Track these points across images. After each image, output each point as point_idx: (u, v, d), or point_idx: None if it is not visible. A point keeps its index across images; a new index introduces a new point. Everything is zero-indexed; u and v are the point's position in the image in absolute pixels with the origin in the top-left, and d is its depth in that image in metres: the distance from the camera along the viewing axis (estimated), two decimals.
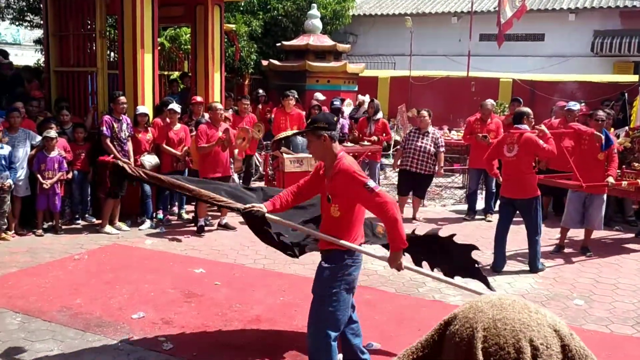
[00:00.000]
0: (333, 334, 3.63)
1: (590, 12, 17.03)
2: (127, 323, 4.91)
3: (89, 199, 8.50)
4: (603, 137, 6.99)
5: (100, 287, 5.74)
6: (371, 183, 3.51)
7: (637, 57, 14.17)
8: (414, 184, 8.81)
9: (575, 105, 8.62)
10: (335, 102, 10.71)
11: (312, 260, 6.76)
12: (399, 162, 8.89)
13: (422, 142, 8.64)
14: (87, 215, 8.42)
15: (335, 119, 3.78)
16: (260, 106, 11.45)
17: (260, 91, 11.97)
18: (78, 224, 8.24)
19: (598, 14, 16.98)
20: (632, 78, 12.75)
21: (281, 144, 8.87)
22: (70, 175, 8.09)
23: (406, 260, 3.79)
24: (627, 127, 8.38)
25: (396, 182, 9.50)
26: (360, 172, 3.59)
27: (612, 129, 8.38)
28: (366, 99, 11.75)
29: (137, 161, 8.06)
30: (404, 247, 3.53)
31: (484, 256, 7.04)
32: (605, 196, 7.25)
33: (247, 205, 3.88)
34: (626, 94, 9.13)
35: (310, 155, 8.66)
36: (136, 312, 5.12)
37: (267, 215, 3.81)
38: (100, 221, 8.05)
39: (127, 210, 8.27)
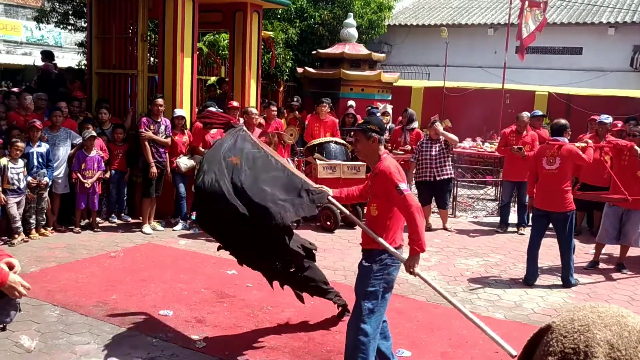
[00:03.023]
0: (370, 331, 3.69)
1: (630, 27, 16.76)
2: (161, 320, 5.01)
3: (125, 198, 8.68)
4: None
5: (135, 284, 5.87)
6: (402, 185, 3.64)
7: None
8: (433, 192, 8.85)
9: (607, 119, 8.50)
10: (371, 109, 10.73)
11: (342, 266, 6.81)
12: (414, 174, 8.93)
13: (434, 151, 8.70)
14: (123, 214, 8.60)
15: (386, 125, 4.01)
16: (295, 113, 11.57)
17: (296, 98, 12.09)
18: (114, 222, 8.43)
19: (638, 28, 16.70)
20: None
21: (315, 150, 8.94)
22: (108, 175, 8.28)
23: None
24: None
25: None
26: (397, 173, 3.70)
27: None
28: (387, 108, 11.69)
29: (173, 163, 8.21)
30: (422, 251, 3.64)
31: (516, 269, 7.00)
32: None
33: (317, 186, 4.28)
34: None
35: (343, 162, 8.73)
36: (170, 309, 5.22)
37: (329, 198, 4.19)
38: (135, 220, 8.22)
39: (161, 210, 8.42)
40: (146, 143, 7.94)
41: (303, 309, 5.42)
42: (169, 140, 8.12)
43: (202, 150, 8.48)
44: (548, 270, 6.93)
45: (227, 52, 11.73)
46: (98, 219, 8.21)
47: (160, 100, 8.16)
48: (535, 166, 6.66)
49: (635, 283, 6.74)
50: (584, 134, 8.86)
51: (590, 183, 8.11)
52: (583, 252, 7.77)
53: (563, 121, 6.75)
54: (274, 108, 9.83)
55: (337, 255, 7.30)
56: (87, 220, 8.17)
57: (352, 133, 4.33)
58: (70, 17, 13.61)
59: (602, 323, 1.11)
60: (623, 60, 16.72)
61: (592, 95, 13.63)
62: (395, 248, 3.78)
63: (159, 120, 8.09)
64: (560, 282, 6.52)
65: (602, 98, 13.24)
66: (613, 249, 7.54)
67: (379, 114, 10.71)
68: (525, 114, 9.15)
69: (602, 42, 17.13)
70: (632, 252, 7.63)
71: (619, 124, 9.15)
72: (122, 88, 9.26)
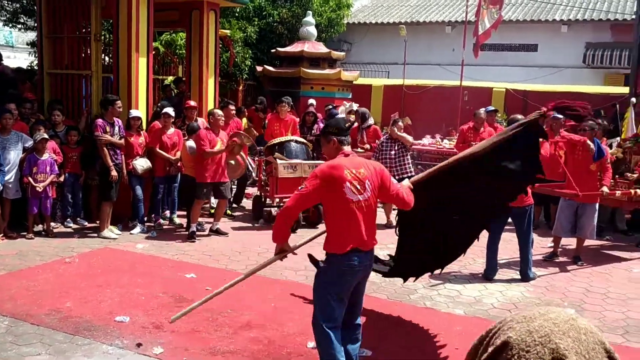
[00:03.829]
0: None
1: (582, 25, 17.17)
2: (117, 327, 4.88)
3: (81, 202, 8.46)
4: (595, 147, 7.04)
5: (90, 291, 5.71)
6: (302, 186, 3.78)
7: (627, 69, 14.22)
8: None
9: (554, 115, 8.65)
10: (329, 107, 10.71)
11: (304, 266, 6.76)
12: None
13: (394, 150, 8.76)
14: (78, 219, 8.38)
15: (348, 124, 4.03)
16: (260, 114, 11.51)
17: (260, 100, 12.04)
18: (69, 227, 8.20)
19: (590, 26, 17.12)
20: (623, 90, 12.85)
21: (275, 149, 8.87)
22: (62, 179, 8.05)
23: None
24: (619, 138, 8.44)
25: None
26: (312, 174, 3.80)
27: (605, 139, 8.43)
28: (354, 106, 11.73)
29: (129, 165, 8.04)
30: (275, 242, 3.97)
31: (475, 264, 7.07)
32: (597, 205, 7.29)
33: None
34: (618, 106, 9.22)
35: (304, 161, 8.69)
36: (127, 315, 5.09)
37: None
38: (92, 225, 8.01)
39: (118, 214, 8.23)
40: (102, 146, 7.73)
41: (263, 311, 5.36)
42: (123, 141, 7.93)
43: (159, 151, 8.33)
44: (507, 264, 7.03)
45: (184, 51, 11.55)
46: (53, 224, 7.97)
47: (120, 102, 7.97)
48: None
49: (590, 275, 6.89)
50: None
51: (545, 177, 8.24)
52: (540, 245, 7.91)
53: (520, 117, 6.83)
54: (233, 107, 9.71)
55: (299, 255, 7.23)
56: (41, 226, 7.93)
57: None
58: (20, 15, 13.21)
59: (559, 331, 1.10)
60: (576, 57, 17.12)
61: (547, 91, 13.90)
62: (344, 253, 3.75)
63: (113, 121, 7.89)
64: (519, 276, 6.61)
65: (557, 94, 13.49)
66: (569, 242, 7.69)
67: (342, 114, 10.71)
68: (483, 111, 9.27)
69: (556, 39, 17.50)
70: (588, 243, 7.80)
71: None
72: (76, 89, 9.02)
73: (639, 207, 7.74)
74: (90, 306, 5.31)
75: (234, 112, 9.64)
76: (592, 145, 7.04)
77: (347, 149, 3.90)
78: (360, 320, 4.13)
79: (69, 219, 8.30)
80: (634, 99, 8.63)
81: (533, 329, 1.12)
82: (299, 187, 3.81)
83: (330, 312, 3.80)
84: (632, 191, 7.32)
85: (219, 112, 8.31)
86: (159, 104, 8.88)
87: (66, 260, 6.71)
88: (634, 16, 11.44)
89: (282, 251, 3.98)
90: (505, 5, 12.87)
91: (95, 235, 7.82)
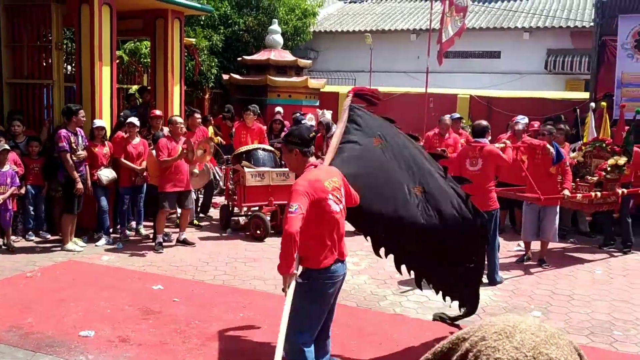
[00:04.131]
0: None
1: (543, 32, 17.55)
2: (82, 342, 4.76)
3: (43, 214, 8.26)
4: (554, 150, 7.21)
5: (53, 305, 5.57)
6: (293, 206, 3.43)
7: (587, 75, 14.59)
8: None
9: (523, 119, 8.82)
10: (296, 114, 10.70)
11: (272, 275, 6.73)
12: None
13: None
14: (41, 232, 8.18)
15: (311, 135, 3.79)
16: (227, 122, 11.44)
17: (227, 108, 11.93)
18: (31, 240, 8.00)
19: (550, 33, 17.50)
20: (583, 95, 13.16)
21: (242, 157, 8.82)
22: (23, 190, 7.86)
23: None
24: (580, 142, 8.63)
25: None
26: (297, 191, 3.50)
27: (567, 144, 8.61)
28: (326, 114, 11.80)
29: (94, 176, 7.89)
30: (281, 273, 3.50)
31: None
32: (558, 208, 7.43)
33: None
34: (578, 111, 9.43)
35: (272, 169, 8.66)
36: (92, 330, 4.98)
37: None
38: (55, 237, 7.83)
39: (83, 226, 8.06)
40: (68, 157, 7.54)
41: (232, 322, 5.31)
42: (85, 153, 7.75)
43: (124, 161, 8.21)
44: None
45: (148, 59, 11.42)
46: (13, 238, 7.76)
47: (84, 112, 7.82)
48: (459, 168, 6.81)
49: (555, 277, 7.00)
50: (504, 135, 9.16)
51: (509, 182, 8.37)
52: (506, 249, 8.02)
53: (484, 123, 6.94)
54: (198, 116, 9.62)
55: (267, 264, 7.21)
56: (0, 240, 7.71)
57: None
58: None
59: (541, 340, 1.10)
60: (538, 63, 17.47)
61: (510, 97, 14.14)
62: (326, 267, 3.66)
63: (76, 131, 7.73)
64: (486, 280, 6.68)
65: (520, 100, 13.77)
66: (535, 245, 7.81)
67: (310, 122, 10.71)
68: (447, 117, 9.38)
69: (518, 46, 17.85)
70: (552, 246, 7.94)
71: (536, 124, 9.51)
72: (37, 99, 8.83)
73: (599, 210, 7.92)
74: (53, 321, 5.17)
75: (199, 120, 9.53)
76: (551, 149, 7.21)
77: (312, 160, 3.77)
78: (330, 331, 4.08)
79: (30, 232, 8.09)
80: (593, 104, 8.84)
81: (518, 345, 1.11)
82: (291, 209, 3.43)
83: (314, 330, 3.72)
84: (593, 194, 7.48)
85: (179, 119, 8.21)
86: (122, 114, 8.73)
87: (27, 275, 6.53)
88: (592, 23, 11.74)
89: (291, 278, 3.52)
90: (468, 14, 13.05)
91: (59, 248, 7.64)
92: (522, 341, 1.10)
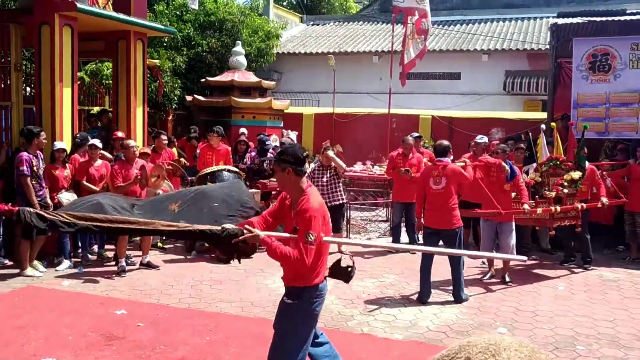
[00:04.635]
0: None
1: (501, 54, 18.01)
2: None
3: (1, 239, 8.01)
4: (508, 168, 7.41)
5: (12, 333, 5.39)
6: (311, 237, 3.46)
7: (544, 95, 15.01)
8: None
9: (481, 139, 9.01)
10: (261, 136, 10.70)
11: (238, 297, 6.67)
12: None
13: (325, 177, 8.79)
14: None
15: (305, 154, 3.75)
16: (193, 142, 11.34)
17: (192, 130, 11.81)
18: None
19: (508, 55, 17.97)
20: (541, 115, 13.52)
21: (207, 179, 8.74)
22: None
23: None
24: (534, 164, 8.85)
25: None
26: (315, 220, 3.51)
27: (520, 166, 8.81)
28: (290, 134, 11.86)
29: (55, 199, 7.71)
30: (261, 243, 3.62)
31: (409, 287, 7.17)
32: (513, 225, 7.59)
33: (249, 232, 3.63)
34: (530, 133, 9.70)
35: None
36: (53, 357, 4.83)
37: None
38: (12, 263, 7.59)
39: (42, 249, 7.83)
40: (28, 182, 7.35)
41: (199, 346, 5.22)
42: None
43: (86, 184, 8.05)
44: (440, 286, 7.15)
45: (111, 81, 11.28)
46: None
47: (44, 134, 7.66)
48: (423, 187, 6.91)
49: (519, 294, 7.11)
50: (467, 154, 9.32)
51: (470, 200, 8.50)
52: (470, 267, 8.12)
53: (446, 142, 7.08)
54: (165, 137, 9.55)
55: (233, 286, 7.14)
56: None
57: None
58: None
59: (525, 356, 1.11)
60: (497, 85, 17.90)
61: (471, 118, 14.45)
62: (317, 284, 3.67)
63: (36, 154, 7.57)
64: (452, 298, 6.75)
65: (480, 120, 14.08)
66: (498, 262, 7.94)
67: (274, 143, 10.71)
68: (411, 137, 9.51)
69: (477, 68, 18.26)
70: (516, 263, 8.07)
71: (495, 143, 9.72)
72: None
73: (561, 224, 8.11)
74: (13, 349, 5.00)
75: (165, 142, 9.47)
76: (506, 167, 7.41)
77: (304, 180, 3.69)
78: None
79: None
80: (543, 125, 9.09)
81: None
82: (311, 239, 3.44)
83: (307, 345, 3.70)
84: (553, 208, 7.67)
85: (132, 142, 8.10)
86: (77, 136, 8.55)
87: None
88: (548, 46, 12.12)
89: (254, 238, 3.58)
90: (429, 36, 13.33)
91: (17, 274, 7.40)
92: (509, 358, 1.12)
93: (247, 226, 3.66)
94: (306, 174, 3.80)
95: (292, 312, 3.63)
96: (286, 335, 3.61)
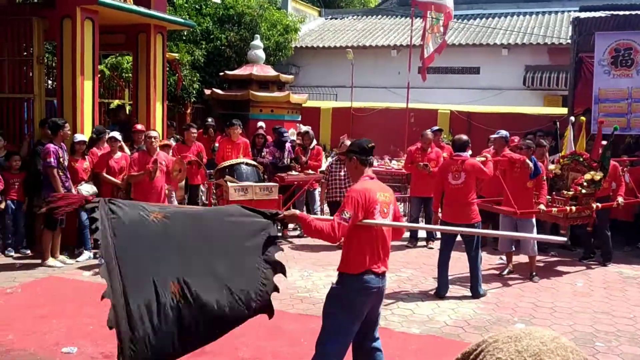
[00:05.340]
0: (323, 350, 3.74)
1: (522, 48, 17.83)
2: (64, 358, 4.70)
3: (23, 230, 8.14)
4: (532, 165, 7.33)
5: (34, 322, 5.48)
6: (345, 214, 3.65)
7: (565, 91, 14.86)
8: None
9: (498, 133, 8.93)
10: (277, 128, 10.73)
11: None
12: (325, 195, 9.05)
13: (343, 171, 8.77)
14: (21, 248, 8.05)
15: (370, 145, 3.94)
16: (210, 131, 11.36)
17: (210, 120, 11.77)
18: (10, 256, 7.87)
19: (528, 49, 17.78)
20: (561, 110, 13.39)
21: (225, 172, 8.80)
22: (3, 206, 7.75)
23: None
24: (558, 155, 8.76)
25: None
26: (351, 200, 3.70)
27: (546, 157, 8.72)
28: (302, 129, 11.88)
29: (75, 191, 7.81)
30: (300, 222, 3.90)
31: (427, 282, 7.16)
32: (534, 221, 7.52)
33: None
34: (558, 123, 9.59)
35: (255, 184, 8.65)
36: (74, 346, 4.91)
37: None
38: (35, 253, 7.71)
39: (64, 241, 7.95)
40: (55, 173, 7.45)
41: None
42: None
43: (106, 176, 8.14)
44: (457, 281, 7.14)
45: (130, 74, 11.38)
46: None
47: (69, 126, 7.76)
48: (441, 181, 6.88)
49: (538, 290, 7.07)
50: (487, 150, 9.24)
51: (488, 195, 8.46)
52: (488, 263, 8.08)
53: (465, 137, 7.04)
54: (194, 131, 9.65)
55: None
56: None
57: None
58: None
59: (548, 349, 1.11)
60: (516, 79, 17.73)
61: (490, 113, 14.34)
62: (359, 273, 3.73)
63: (61, 146, 7.67)
64: (469, 293, 6.73)
65: (499, 115, 13.96)
66: (518, 258, 7.89)
67: (292, 136, 10.73)
68: (430, 132, 9.47)
69: (497, 62, 18.10)
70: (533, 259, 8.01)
71: (516, 139, 9.64)
72: (17, 113, 8.74)
73: (573, 224, 8.04)
74: (35, 338, 5.09)
75: (194, 135, 9.58)
76: (530, 164, 7.33)
77: (368, 170, 3.92)
78: (380, 344, 4.02)
79: (10, 248, 7.97)
80: (572, 118, 8.99)
81: (522, 349, 1.12)
82: (344, 216, 3.62)
83: (342, 332, 3.76)
84: (568, 208, 7.59)
85: (153, 133, 8.13)
86: (94, 130, 8.62)
87: (7, 291, 6.43)
88: (569, 40, 11.99)
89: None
90: (448, 30, 13.24)
91: (39, 264, 7.52)
92: (527, 346, 1.12)
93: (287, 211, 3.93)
94: (371, 165, 3.99)
95: (331, 294, 3.80)
96: (324, 317, 3.81)
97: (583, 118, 8.88)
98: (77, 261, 7.76)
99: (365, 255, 3.75)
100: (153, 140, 7.92)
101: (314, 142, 10.15)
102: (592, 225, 8.10)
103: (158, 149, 7.95)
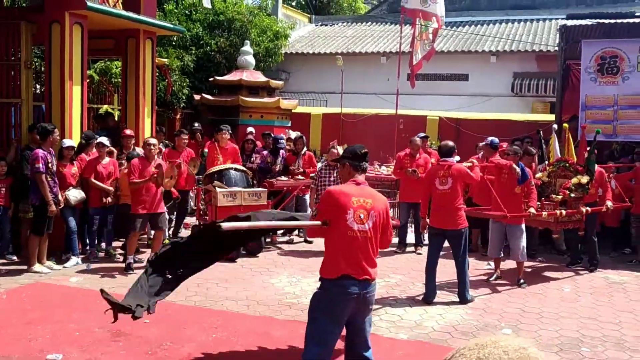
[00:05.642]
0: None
1: (510, 55, 17.96)
2: None
3: (9, 236, 8.08)
4: (520, 170, 7.39)
5: (20, 328, 5.44)
6: (314, 210, 4.06)
7: (553, 97, 14.99)
8: None
9: (488, 140, 9.00)
10: (274, 135, 10.74)
11: (244, 296, 6.70)
12: (315, 201, 9.05)
13: (332, 177, 8.82)
14: (7, 254, 7.99)
15: (363, 151, 4.04)
16: (197, 136, 11.32)
17: (196, 125, 11.73)
18: None
19: (517, 56, 17.92)
20: (549, 117, 13.48)
21: (214, 177, 8.78)
22: None
23: None
24: (545, 162, 8.83)
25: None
26: (321, 199, 4.03)
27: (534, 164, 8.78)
28: (291, 134, 11.89)
29: (62, 196, 7.76)
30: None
31: (415, 288, 7.18)
32: (523, 227, 7.57)
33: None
34: (541, 132, 9.68)
35: (244, 189, 8.65)
36: (59, 353, 4.88)
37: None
38: (21, 259, 7.65)
39: (50, 246, 7.89)
40: (43, 178, 7.39)
41: (205, 343, 5.25)
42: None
43: (95, 182, 8.12)
44: (445, 287, 7.16)
45: (120, 79, 11.35)
46: None
47: (57, 132, 7.73)
48: (429, 187, 6.92)
49: (525, 295, 7.11)
50: (476, 156, 9.29)
51: (478, 202, 8.51)
52: (475, 268, 8.12)
53: (451, 143, 7.09)
54: (185, 137, 9.62)
55: (240, 285, 7.17)
56: None
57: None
58: None
59: (509, 359, 1.12)
60: (505, 86, 17.85)
61: (478, 119, 14.42)
62: (335, 278, 3.78)
63: (50, 151, 7.63)
64: (457, 299, 6.75)
65: (488, 121, 14.04)
66: (505, 264, 7.93)
67: (280, 139, 10.71)
68: (418, 138, 9.52)
69: (485, 69, 18.22)
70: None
71: (505, 145, 9.70)
72: (4, 118, 8.69)
73: (565, 227, 8.09)
74: (20, 345, 5.05)
75: (186, 141, 9.56)
76: (517, 169, 7.39)
77: (359, 176, 3.96)
78: (371, 354, 4.00)
79: None
80: (555, 126, 9.08)
81: (483, 356, 1.14)
82: (313, 211, 4.00)
83: (319, 332, 3.78)
84: (558, 212, 7.66)
85: (153, 140, 8.15)
86: (82, 136, 8.60)
87: None
88: (556, 48, 12.09)
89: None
90: (437, 37, 13.32)
91: (25, 270, 7.46)
92: (488, 354, 1.14)
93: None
94: (365, 170, 4.04)
95: (312, 299, 3.90)
96: (307, 323, 3.90)
97: (566, 125, 8.96)
98: (64, 267, 7.71)
99: (340, 259, 3.76)
100: (152, 147, 7.93)
101: (304, 148, 10.18)
102: (582, 229, 8.16)
103: (156, 156, 8.01)
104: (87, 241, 8.43)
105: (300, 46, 20.73)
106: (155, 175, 7.67)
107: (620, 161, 9.92)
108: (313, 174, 9.85)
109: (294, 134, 12.05)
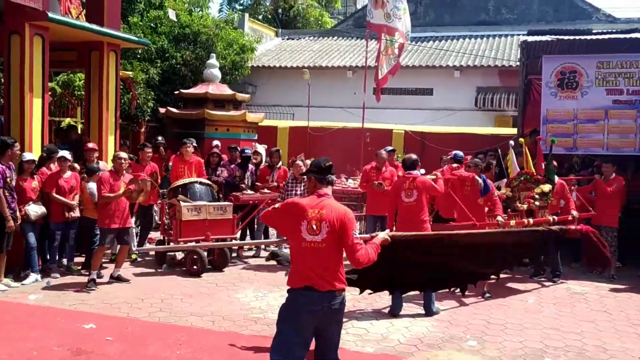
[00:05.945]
0: None
1: (473, 70, 18.30)
2: None
3: None
4: (482, 182, 7.52)
5: None
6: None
7: (515, 111, 15.29)
8: None
9: (454, 154, 9.16)
10: (240, 148, 10.69)
11: (209, 311, 6.61)
12: None
13: (299, 190, 8.84)
14: None
15: (327, 164, 4.03)
16: (161, 150, 11.20)
17: (160, 138, 11.62)
18: None
19: (480, 71, 18.26)
20: (511, 131, 13.74)
21: (178, 191, 8.68)
22: None
23: None
24: (505, 179, 8.99)
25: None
26: (285, 207, 4.06)
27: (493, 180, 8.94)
28: (257, 147, 11.85)
29: (22, 211, 7.57)
30: None
31: (382, 301, 7.18)
32: None
33: None
34: (499, 150, 9.86)
35: (209, 203, 8.57)
36: None
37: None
38: None
39: (9, 262, 7.66)
40: (0, 194, 7.16)
41: (168, 359, 5.15)
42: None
43: (56, 196, 7.94)
44: (411, 300, 7.18)
45: (83, 92, 11.17)
46: None
47: (18, 145, 7.54)
48: (395, 199, 6.96)
49: (490, 307, 7.18)
50: (440, 169, 9.40)
51: (445, 216, 8.57)
52: None
53: (414, 156, 7.16)
54: (149, 150, 9.50)
55: (205, 300, 7.08)
56: None
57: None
58: None
59: None
60: (469, 100, 18.16)
61: (443, 133, 14.62)
62: (297, 288, 3.80)
63: (9, 165, 7.44)
64: (423, 311, 6.78)
65: (452, 135, 14.26)
66: None
67: (247, 151, 10.66)
68: (384, 151, 9.58)
69: (449, 83, 18.51)
70: None
71: (469, 157, 9.84)
72: None
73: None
74: None
75: (150, 155, 9.43)
76: (479, 181, 7.52)
77: (325, 189, 3.97)
78: None
79: None
80: (512, 141, 9.25)
81: None
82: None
83: (284, 343, 3.75)
84: (525, 220, 7.80)
85: (123, 154, 8.05)
86: (44, 149, 8.42)
87: None
88: (518, 63, 12.36)
89: None
90: (402, 52, 13.49)
91: None
92: None
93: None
94: (331, 183, 4.04)
95: (279, 310, 3.89)
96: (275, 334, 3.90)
97: (522, 140, 9.15)
98: (22, 284, 7.50)
99: (298, 270, 3.81)
100: (122, 161, 7.84)
101: (279, 162, 10.18)
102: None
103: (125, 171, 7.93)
104: (48, 257, 8.22)
105: (266, 59, 20.76)
106: (132, 190, 7.56)
107: (581, 174, 10.14)
108: None
109: (261, 147, 12.02)
